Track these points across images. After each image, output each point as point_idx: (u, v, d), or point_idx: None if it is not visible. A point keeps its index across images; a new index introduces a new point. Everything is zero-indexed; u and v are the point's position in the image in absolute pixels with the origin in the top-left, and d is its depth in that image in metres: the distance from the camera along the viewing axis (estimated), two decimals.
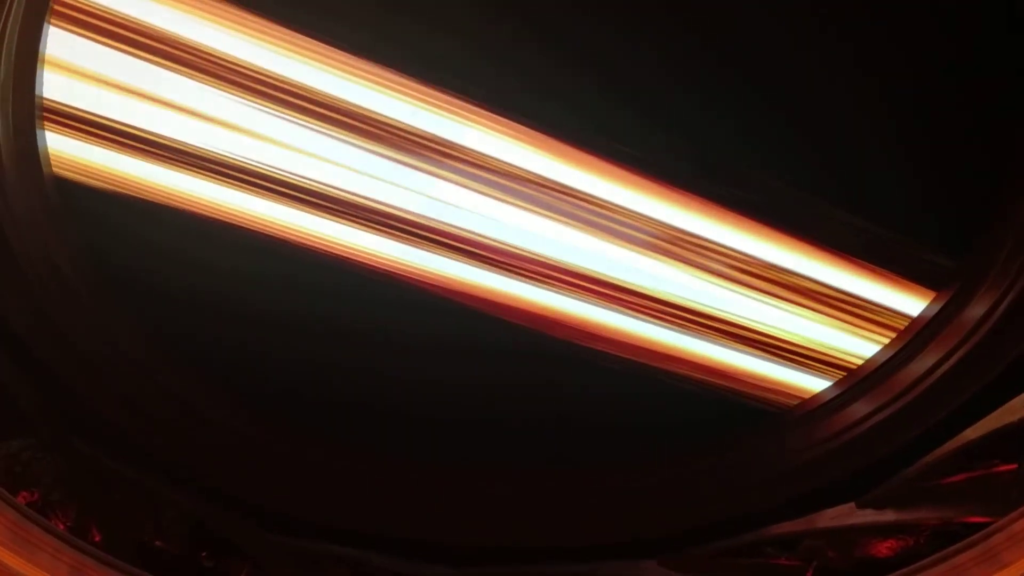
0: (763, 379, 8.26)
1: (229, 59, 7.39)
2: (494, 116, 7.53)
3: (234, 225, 7.75)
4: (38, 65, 6.98)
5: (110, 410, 7.32)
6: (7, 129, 6.86)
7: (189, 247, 7.73)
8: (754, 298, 8.06)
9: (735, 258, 7.94)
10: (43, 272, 7.09)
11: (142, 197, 7.57)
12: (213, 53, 7.39)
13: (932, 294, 7.68)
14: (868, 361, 7.94)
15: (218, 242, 7.71)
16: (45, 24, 6.90)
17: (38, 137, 7.20)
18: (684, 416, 8.26)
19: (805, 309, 8.11)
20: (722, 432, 8.19)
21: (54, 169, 7.34)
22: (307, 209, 7.76)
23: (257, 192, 7.69)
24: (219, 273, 7.73)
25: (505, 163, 7.66)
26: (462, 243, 7.88)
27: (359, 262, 7.88)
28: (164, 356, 7.75)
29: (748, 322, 8.15)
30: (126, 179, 7.60)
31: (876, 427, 7.53)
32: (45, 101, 7.20)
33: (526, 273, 7.97)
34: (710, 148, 7.62)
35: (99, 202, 7.54)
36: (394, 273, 7.91)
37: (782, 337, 8.16)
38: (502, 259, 7.92)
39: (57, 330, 7.12)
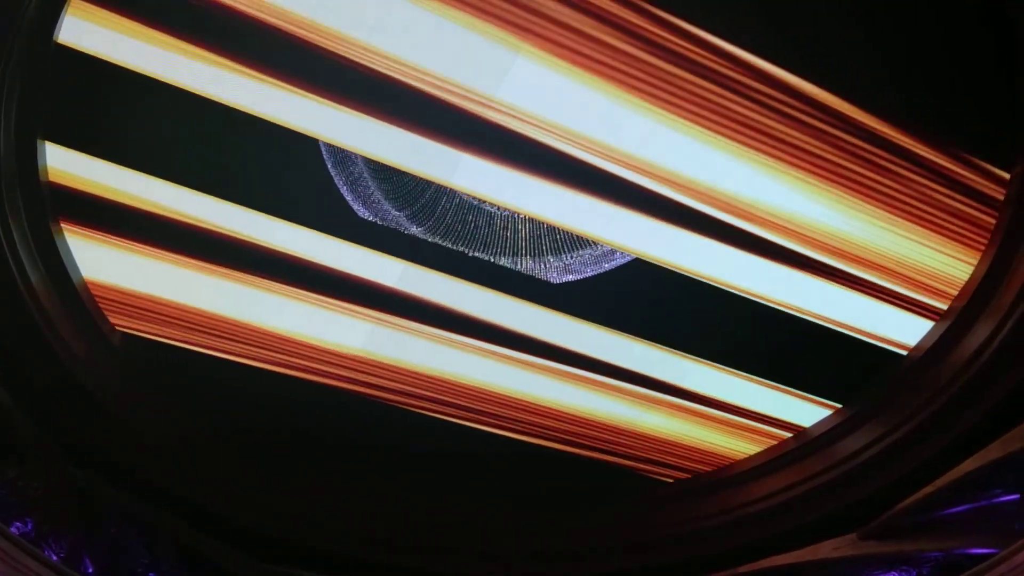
0: (759, 411, 8.18)
1: None
2: None
3: None
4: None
5: (105, 440, 7.32)
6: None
7: None
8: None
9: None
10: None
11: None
12: None
13: (934, 322, 7.58)
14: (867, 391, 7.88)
15: None
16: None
17: None
18: (682, 447, 8.25)
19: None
20: (719, 463, 8.21)
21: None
22: None
23: None
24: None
25: None
26: None
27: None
28: (157, 390, 7.76)
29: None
30: None
31: (877, 457, 7.47)
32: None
33: None
34: None
35: None
36: None
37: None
38: None
39: (55, 360, 7.16)
